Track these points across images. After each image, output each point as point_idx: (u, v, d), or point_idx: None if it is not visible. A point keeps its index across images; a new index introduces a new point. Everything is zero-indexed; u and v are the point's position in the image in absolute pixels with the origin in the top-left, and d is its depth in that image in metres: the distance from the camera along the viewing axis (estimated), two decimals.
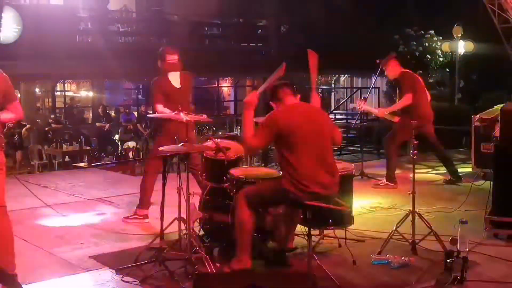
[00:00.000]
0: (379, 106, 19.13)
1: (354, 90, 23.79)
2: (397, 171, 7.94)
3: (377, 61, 8.05)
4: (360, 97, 20.00)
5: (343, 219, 4.75)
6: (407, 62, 16.23)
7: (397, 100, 8.01)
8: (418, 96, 7.57)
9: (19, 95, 18.18)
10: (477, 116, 8.22)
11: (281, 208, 4.66)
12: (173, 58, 6.04)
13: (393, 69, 7.74)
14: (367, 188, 7.74)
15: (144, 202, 6.17)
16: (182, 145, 4.70)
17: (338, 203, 4.45)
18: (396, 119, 7.74)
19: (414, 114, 7.14)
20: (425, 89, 7.87)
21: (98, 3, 17.43)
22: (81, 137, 15.69)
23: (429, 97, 7.94)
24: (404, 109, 7.55)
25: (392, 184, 7.70)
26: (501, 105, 6.20)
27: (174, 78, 6.07)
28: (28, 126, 15.35)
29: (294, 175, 4.30)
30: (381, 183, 7.81)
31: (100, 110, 18.87)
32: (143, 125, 17.82)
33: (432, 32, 17.71)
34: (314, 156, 4.35)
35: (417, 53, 17.31)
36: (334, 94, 27.49)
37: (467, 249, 4.40)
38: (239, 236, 4.48)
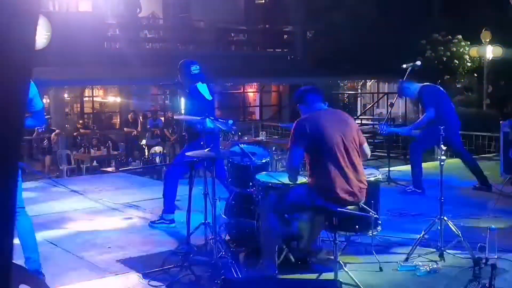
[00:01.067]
0: (406, 111, 19.01)
1: (381, 95, 23.65)
2: (425, 177, 7.86)
3: (404, 66, 7.97)
4: (387, 102, 19.89)
5: (369, 225, 4.73)
6: (434, 68, 16.15)
7: (420, 114, 7.88)
8: (440, 107, 7.46)
9: (48, 101, 18.48)
10: (506, 121, 8.11)
11: (307, 214, 4.65)
12: (196, 68, 6.08)
13: (409, 93, 7.70)
14: (394, 194, 7.68)
15: (169, 207, 6.20)
16: (208, 150, 4.74)
17: (365, 210, 4.44)
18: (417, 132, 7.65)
19: (441, 124, 7.07)
20: (448, 97, 7.79)
21: (126, 10, 17.62)
22: (109, 142, 15.86)
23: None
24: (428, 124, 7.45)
25: (419, 190, 7.63)
26: None
27: (204, 91, 6.12)
28: (57, 131, 15.57)
29: (321, 181, 4.29)
30: (408, 189, 7.75)
31: (130, 116, 19.04)
32: (170, 131, 17.94)
33: (460, 37, 17.56)
34: (342, 162, 4.32)
35: (444, 58, 17.17)
36: (361, 99, 27.35)
37: (496, 256, 4.34)
38: (265, 242, 4.48)
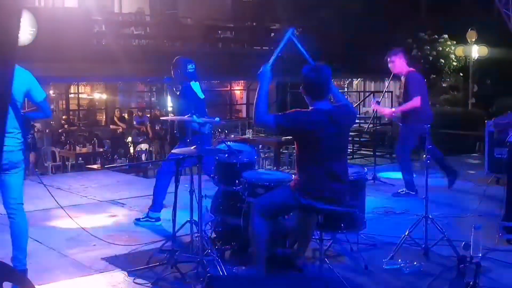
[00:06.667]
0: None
1: (367, 94, 23.72)
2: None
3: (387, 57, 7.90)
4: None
5: (355, 223, 4.74)
6: (420, 67, 16.21)
7: (401, 99, 7.62)
8: (423, 98, 7.40)
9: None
10: (491, 121, 8.16)
11: (295, 213, 4.64)
12: (192, 67, 6.11)
13: (401, 65, 7.48)
14: (379, 192, 7.71)
15: (156, 205, 6.19)
16: (194, 147, 4.72)
17: (350, 207, 4.43)
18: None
19: (419, 117, 7.05)
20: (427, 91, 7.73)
21: (113, 6, 17.56)
22: (94, 139, 15.78)
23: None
24: (408, 113, 7.36)
25: (413, 192, 7.45)
26: None
27: (197, 89, 6.14)
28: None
29: (309, 178, 4.24)
30: (402, 191, 7.58)
31: (116, 113, 18.95)
32: (155, 127, 17.88)
33: (446, 36, 17.65)
34: (332, 161, 4.28)
35: (430, 58, 17.26)
36: (347, 98, 27.40)
37: (480, 255, 4.38)
38: (254, 246, 4.45)
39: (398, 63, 7.43)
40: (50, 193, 5.09)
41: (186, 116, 5.13)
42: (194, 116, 5.08)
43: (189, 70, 6.10)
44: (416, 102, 7.25)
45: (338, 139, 4.32)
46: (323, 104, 4.35)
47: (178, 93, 6.29)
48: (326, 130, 4.24)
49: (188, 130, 5.65)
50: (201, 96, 6.20)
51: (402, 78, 7.46)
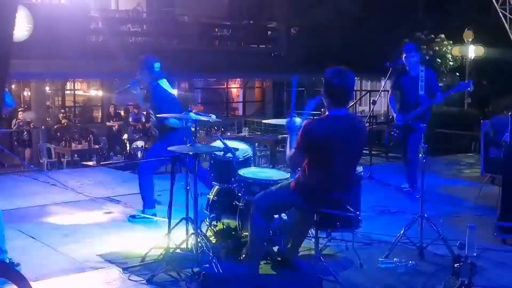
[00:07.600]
0: (388, 109, 19.09)
1: (363, 93, 23.73)
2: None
3: (387, 64, 7.94)
4: (369, 100, 19.95)
5: (350, 222, 4.73)
6: None
7: (421, 93, 7.34)
8: None
9: (29, 93, 18.27)
10: (488, 120, 8.16)
11: (291, 211, 4.64)
12: (158, 66, 6.16)
13: (417, 60, 7.49)
14: (375, 191, 7.70)
15: (148, 203, 6.18)
16: (189, 145, 4.71)
17: (347, 211, 4.42)
18: None
19: (427, 113, 7.08)
20: None
21: (109, 3, 17.53)
22: (90, 136, 15.75)
23: None
24: (429, 109, 7.34)
25: (411, 189, 7.39)
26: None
27: (166, 86, 6.17)
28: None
29: (311, 183, 4.20)
30: (404, 187, 7.53)
31: (111, 110, 18.90)
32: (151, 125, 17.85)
33: (443, 36, 17.68)
34: (339, 170, 4.23)
35: (427, 57, 17.29)
36: None
37: (475, 254, 4.38)
38: (252, 244, 4.43)
39: (416, 59, 7.53)
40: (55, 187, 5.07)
41: (183, 113, 5.11)
42: (191, 113, 5.07)
43: (156, 69, 6.15)
44: (441, 100, 7.39)
45: (349, 149, 4.25)
46: (342, 111, 4.25)
47: (146, 93, 6.31)
48: (338, 138, 4.17)
49: (169, 128, 5.67)
50: (172, 91, 6.24)
51: (416, 73, 7.42)
